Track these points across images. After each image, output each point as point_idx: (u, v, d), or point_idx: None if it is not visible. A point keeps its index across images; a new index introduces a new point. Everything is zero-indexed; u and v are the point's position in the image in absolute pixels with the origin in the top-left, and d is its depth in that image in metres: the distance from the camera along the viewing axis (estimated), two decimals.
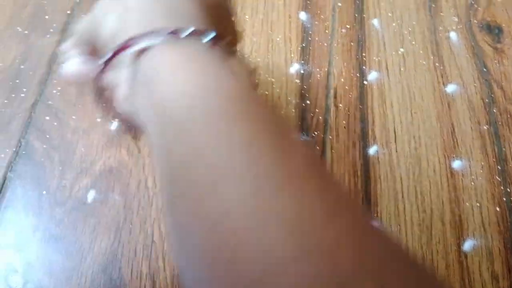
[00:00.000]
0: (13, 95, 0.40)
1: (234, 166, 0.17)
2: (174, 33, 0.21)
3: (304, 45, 0.45)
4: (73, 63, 0.25)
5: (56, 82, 0.41)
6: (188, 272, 0.18)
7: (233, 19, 0.28)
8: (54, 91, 0.41)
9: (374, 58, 0.45)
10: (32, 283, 0.33)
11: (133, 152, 0.38)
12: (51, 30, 0.44)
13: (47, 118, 0.39)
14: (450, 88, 0.44)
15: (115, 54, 0.22)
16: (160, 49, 0.20)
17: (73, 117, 0.40)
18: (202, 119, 0.18)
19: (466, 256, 0.36)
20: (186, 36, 0.21)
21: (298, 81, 0.43)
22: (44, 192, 0.36)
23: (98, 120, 0.40)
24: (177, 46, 0.21)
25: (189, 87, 0.19)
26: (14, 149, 0.38)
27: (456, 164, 0.40)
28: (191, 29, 0.21)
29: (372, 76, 0.44)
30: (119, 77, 0.23)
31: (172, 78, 0.20)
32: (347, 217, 0.17)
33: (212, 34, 0.22)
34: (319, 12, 0.47)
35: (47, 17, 0.45)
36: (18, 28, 0.44)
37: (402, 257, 0.17)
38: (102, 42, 0.23)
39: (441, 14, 0.48)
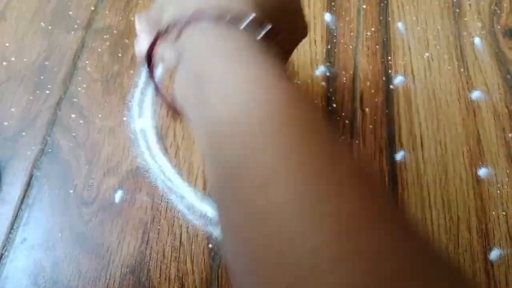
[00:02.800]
0: (38, 92, 0.40)
1: (284, 169, 0.17)
2: (224, 19, 0.21)
3: (329, 47, 0.45)
4: (142, 42, 0.26)
5: (81, 79, 0.41)
6: (236, 266, 0.19)
7: (302, 12, 0.27)
8: (79, 89, 0.40)
9: (400, 62, 0.45)
10: (61, 283, 0.33)
11: (159, 152, 0.38)
12: (75, 26, 0.43)
13: (73, 116, 0.39)
14: (475, 94, 0.44)
15: (167, 30, 0.22)
16: (211, 35, 0.20)
17: (99, 115, 0.39)
18: (256, 120, 0.18)
19: (492, 265, 0.36)
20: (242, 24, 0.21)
21: (324, 83, 0.43)
22: (71, 191, 0.36)
23: (124, 119, 0.39)
24: (229, 35, 0.21)
25: (241, 87, 0.19)
26: (40, 147, 0.37)
27: (482, 172, 0.40)
28: (251, 16, 0.21)
29: (398, 80, 0.44)
30: (169, 57, 0.23)
31: (224, 76, 0.19)
32: (392, 223, 0.17)
33: (268, 27, 0.21)
34: (344, 14, 0.47)
35: (70, 13, 0.44)
36: (42, 23, 0.43)
37: (444, 265, 0.17)
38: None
39: (465, 19, 0.48)
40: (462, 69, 0.45)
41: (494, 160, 0.40)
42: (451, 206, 0.38)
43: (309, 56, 0.44)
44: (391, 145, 0.40)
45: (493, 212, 0.38)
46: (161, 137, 0.39)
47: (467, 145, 0.41)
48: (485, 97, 0.44)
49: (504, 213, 0.38)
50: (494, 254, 0.36)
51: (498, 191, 0.39)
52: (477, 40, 0.47)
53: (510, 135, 0.42)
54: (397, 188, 0.38)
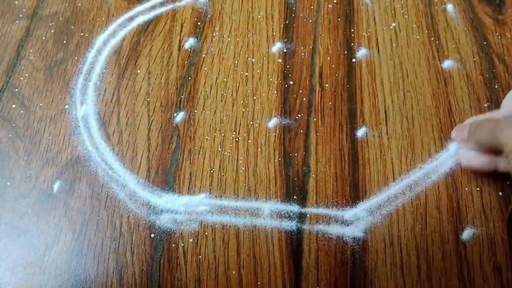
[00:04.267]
0: None
1: None
2: None
3: (287, 22, 0.42)
4: (473, 159, 0.34)
5: (24, 68, 0.39)
6: None
7: None
8: (21, 78, 0.39)
9: (363, 34, 0.42)
10: None
11: (101, 139, 0.36)
12: (20, 16, 0.42)
13: (13, 106, 0.37)
14: (447, 63, 0.40)
15: None
16: None
17: (40, 104, 0.37)
18: None
19: (465, 246, 0.33)
20: None
21: (280, 60, 0.40)
22: (8, 184, 0.34)
23: (66, 106, 0.37)
24: None
25: None
26: None
27: (454, 146, 0.36)
28: None
29: (361, 53, 0.41)
30: None
31: None
32: None
33: None
34: None
35: (16, 2, 0.43)
36: None
37: None
38: None
39: None
40: (432, 38, 0.42)
41: None
42: (417, 184, 0.35)
43: (265, 32, 0.42)
44: (352, 122, 0.37)
45: (466, 188, 0.35)
46: (104, 124, 0.37)
47: (437, 117, 0.38)
48: (457, 66, 0.40)
49: (478, 188, 0.35)
50: (466, 234, 0.33)
51: None
52: (449, 7, 0.43)
53: (485, 104, 0.38)
54: (357, 166, 0.35)
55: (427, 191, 0.35)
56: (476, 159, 0.34)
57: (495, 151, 0.32)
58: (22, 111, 0.37)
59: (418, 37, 0.42)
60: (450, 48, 0.41)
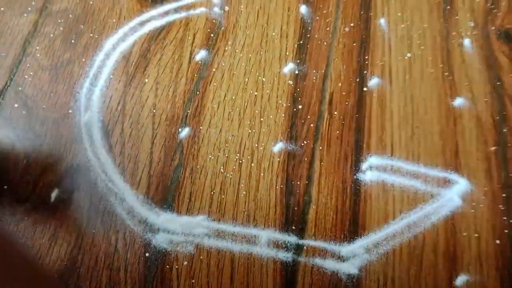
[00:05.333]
0: None
1: None
2: None
3: (301, 42, 0.41)
4: None
5: (29, 66, 0.38)
6: None
7: None
8: (26, 76, 0.38)
9: (378, 62, 0.41)
10: None
11: (103, 149, 0.35)
12: (29, 9, 0.41)
13: (16, 105, 0.36)
14: (458, 101, 0.40)
15: None
16: None
17: (43, 106, 0.37)
18: None
19: None
20: None
21: (291, 82, 0.40)
22: (6, 187, 0.34)
23: (70, 111, 0.37)
24: None
25: None
26: None
27: (455, 188, 0.36)
28: None
29: (373, 82, 0.40)
30: None
31: None
32: None
33: None
34: (321, 6, 0.43)
35: None
36: None
37: None
38: None
39: (456, 17, 0.43)
40: (446, 73, 0.41)
41: (471, 176, 0.37)
42: (417, 225, 0.35)
43: (278, 51, 0.41)
44: (358, 154, 0.37)
45: (464, 234, 0.35)
46: (107, 133, 0.36)
47: (443, 157, 0.37)
48: (469, 104, 0.40)
49: (476, 235, 0.35)
50: (460, 280, 0.33)
51: (472, 210, 0.35)
52: (466, 42, 0.43)
53: (492, 148, 0.38)
54: (358, 201, 0.35)
55: (425, 233, 0.35)
56: None
57: None
58: (24, 112, 0.36)
59: (432, 70, 0.41)
60: (463, 86, 0.41)
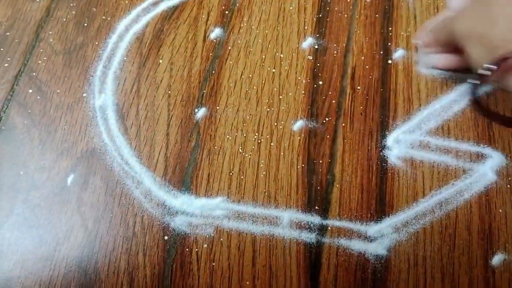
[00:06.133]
0: None
1: None
2: None
3: (320, 15, 0.39)
4: (440, 60, 0.36)
5: (42, 51, 0.37)
6: None
7: None
8: (39, 62, 0.37)
9: (402, 33, 0.39)
10: (2, 274, 0.30)
11: (118, 132, 0.35)
12: None
13: (30, 91, 0.36)
14: None
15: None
16: None
17: (58, 91, 0.36)
18: None
19: (494, 272, 0.31)
20: None
21: (310, 57, 0.38)
22: (22, 173, 0.33)
23: (84, 94, 0.36)
24: None
25: None
26: None
27: (490, 160, 0.34)
28: None
29: (398, 54, 0.38)
30: None
31: None
32: None
33: None
34: None
35: None
36: None
37: None
38: (490, 38, 0.29)
39: None
40: None
41: (506, 149, 0.34)
42: (448, 203, 0.33)
43: (296, 25, 0.39)
44: (383, 129, 0.35)
45: (500, 210, 0.32)
46: (122, 115, 0.35)
47: (475, 130, 0.35)
48: None
49: None
50: (496, 259, 0.31)
51: (508, 186, 0.33)
52: None
53: None
54: (385, 178, 0.33)
55: (458, 210, 0.33)
56: (443, 59, 0.36)
57: (457, 48, 0.33)
58: (38, 97, 0.36)
59: None
60: None
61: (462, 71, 0.35)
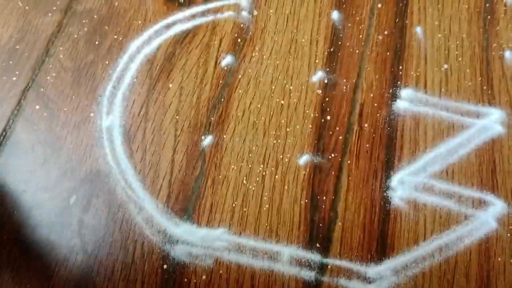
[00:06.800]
0: (4, 78, 0.37)
1: None
2: None
3: (332, 50, 0.40)
4: None
5: (52, 67, 0.37)
6: None
7: None
8: (48, 77, 0.37)
9: (412, 73, 0.39)
10: None
11: (124, 155, 0.34)
12: (54, 8, 0.40)
13: (37, 107, 0.36)
14: (497, 115, 0.38)
15: None
16: None
17: (65, 108, 0.36)
18: None
19: None
20: None
21: (320, 91, 0.38)
22: (24, 190, 0.33)
23: (92, 114, 0.36)
24: None
25: None
26: None
27: (492, 208, 0.34)
28: None
29: (407, 93, 0.38)
30: None
31: None
32: None
33: None
34: (354, 12, 0.41)
35: None
36: (19, 2, 0.40)
37: None
38: None
39: (497, 28, 0.41)
40: (485, 87, 0.39)
41: (509, 197, 0.34)
42: (449, 248, 0.33)
43: (307, 58, 0.39)
44: (388, 170, 0.35)
45: (499, 259, 0.32)
46: (128, 138, 0.35)
47: (478, 176, 0.35)
48: (508, 120, 0.37)
49: None
50: None
51: (509, 234, 0.33)
52: (508, 54, 0.40)
53: None
54: (388, 219, 0.33)
55: (457, 256, 0.33)
56: None
57: None
58: (45, 114, 0.36)
59: (470, 83, 0.39)
60: (502, 100, 0.38)
61: None
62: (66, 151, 0.34)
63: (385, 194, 0.34)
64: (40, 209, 0.32)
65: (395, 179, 0.35)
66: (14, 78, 0.37)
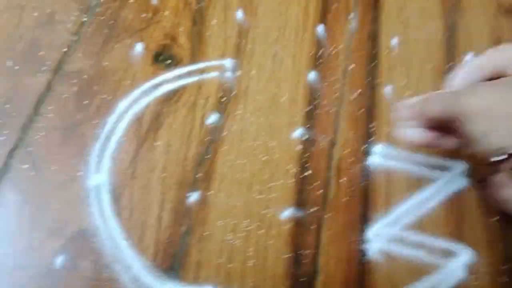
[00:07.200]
0: None
1: None
2: None
3: (310, 108, 0.42)
4: (417, 135, 0.33)
5: (41, 126, 0.38)
6: None
7: None
8: (37, 137, 0.38)
9: (384, 129, 0.42)
10: None
11: (111, 214, 0.35)
12: (43, 68, 0.41)
13: (24, 166, 0.36)
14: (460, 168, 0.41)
15: None
16: None
17: (53, 168, 0.37)
18: None
19: None
20: None
21: (300, 147, 0.40)
22: (9, 252, 0.33)
23: (79, 173, 0.36)
24: None
25: None
26: None
27: (464, 254, 0.36)
28: None
29: (379, 149, 0.41)
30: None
31: None
32: None
33: None
34: (329, 73, 0.45)
35: (41, 53, 0.42)
36: (9, 62, 0.41)
37: None
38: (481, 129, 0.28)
39: None
40: None
41: (477, 245, 0.37)
42: None
43: (287, 116, 0.42)
44: (365, 222, 0.37)
45: None
46: (116, 197, 0.36)
47: (448, 226, 0.38)
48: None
49: None
50: None
51: (476, 282, 0.35)
52: None
53: (494, 219, 0.38)
54: (364, 273, 0.35)
55: None
56: (423, 135, 0.33)
57: (444, 126, 0.31)
58: (32, 173, 0.36)
59: None
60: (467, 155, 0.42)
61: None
62: (53, 210, 0.35)
63: (362, 246, 0.36)
64: (26, 270, 0.32)
65: (371, 232, 0.37)
66: (2, 138, 0.37)
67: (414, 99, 0.34)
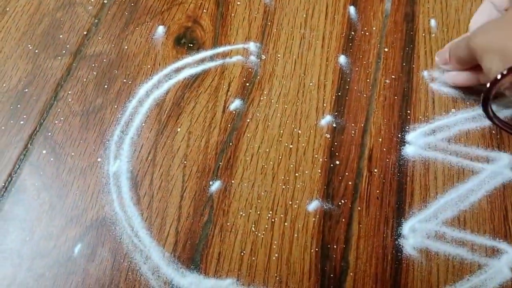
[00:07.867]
0: (12, 122, 0.37)
1: None
2: None
3: (339, 94, 0.40)
4: (457, 76, 0.38)
5: (60, 111, 0.37)
6: None
7: None
8: (56, 122, 0.37)
9: (420, 117, 0.39)
10: None
11: (131, 201, 0.34)
12: (63, 52, 0.40)
13: (44, 152, 0.35)
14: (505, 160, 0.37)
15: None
16: None
17: (72, 153, 0.35)
18: None
19: None
20: None
21: (328, 136, 0.38)
22: (28, 239, 0.32)
23: (99, 159, 0.35)
24: None
25: None
26: (3, 184, 0.34)
27: (506, 255, 0.33)
28: None
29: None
30: None
31: None
32: None
33: None
34: (361, 57, 0.42)
35: (61, 36, 0.41)
36: (29, 46, 0.40)
37: None
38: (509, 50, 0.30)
39: None
40: (494, 131, 0.38)
41: None
42: None
43: (315, 102, 0.39)
44: (399, 216, 0.34)
45: None
46: (136, 184, 0.34)
47: (491, 223, 0.35)
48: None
49: None
50: None
51: None
52: None
53: None
54: (400, 269, 0.32)
55: None
56: (460, 76, 0.38)
57: (475, 65, 0.35)
58: (52, 159, 0.35)
59: (478, 128, 0.39)
60: (505, 141, 0.38)
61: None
62: (72, 197, 0.34)
63: (396, 242, 0.34)
64: (45, 258, 0.32)
65: (407, 227, 0.34)
66: (22, 122, 0.37)
67: (446, 46, 0.39)
